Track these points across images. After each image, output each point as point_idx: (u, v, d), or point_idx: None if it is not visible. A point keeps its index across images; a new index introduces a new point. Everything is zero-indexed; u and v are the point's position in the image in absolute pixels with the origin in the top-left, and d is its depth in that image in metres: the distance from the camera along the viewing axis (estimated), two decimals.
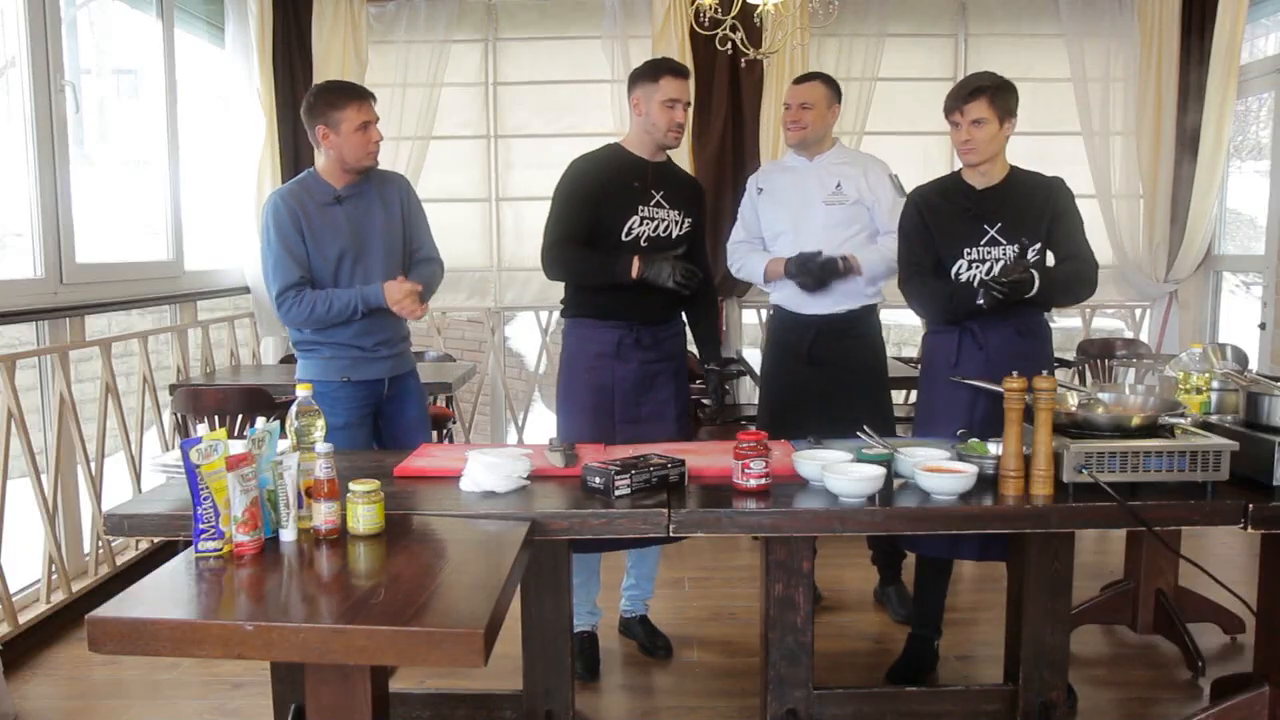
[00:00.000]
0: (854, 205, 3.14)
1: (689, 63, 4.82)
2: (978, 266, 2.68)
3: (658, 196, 2.87)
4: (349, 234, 2.85)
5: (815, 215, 3.16)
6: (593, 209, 2.83)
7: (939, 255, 2.74)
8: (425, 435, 3.09)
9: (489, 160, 5.29)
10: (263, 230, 2.82)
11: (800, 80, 3.21)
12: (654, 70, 2.83)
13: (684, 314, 3.05)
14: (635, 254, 2.78)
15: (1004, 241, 2.66)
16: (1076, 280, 2.68)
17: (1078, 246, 2.70)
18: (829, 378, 3.15)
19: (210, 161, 4.96)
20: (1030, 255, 2.66)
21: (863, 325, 3.21)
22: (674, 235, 2.89)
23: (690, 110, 2.90)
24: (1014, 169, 2.74)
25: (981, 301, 2.58)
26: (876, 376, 3.24)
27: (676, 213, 2.90)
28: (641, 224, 2.84)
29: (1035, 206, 2.69)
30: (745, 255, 3.30)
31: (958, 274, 2.71)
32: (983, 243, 2.67)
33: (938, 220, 2.74)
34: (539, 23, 5.23)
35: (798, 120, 3.16)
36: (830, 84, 3.18)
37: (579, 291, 2.92)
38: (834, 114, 3.22)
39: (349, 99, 2.79)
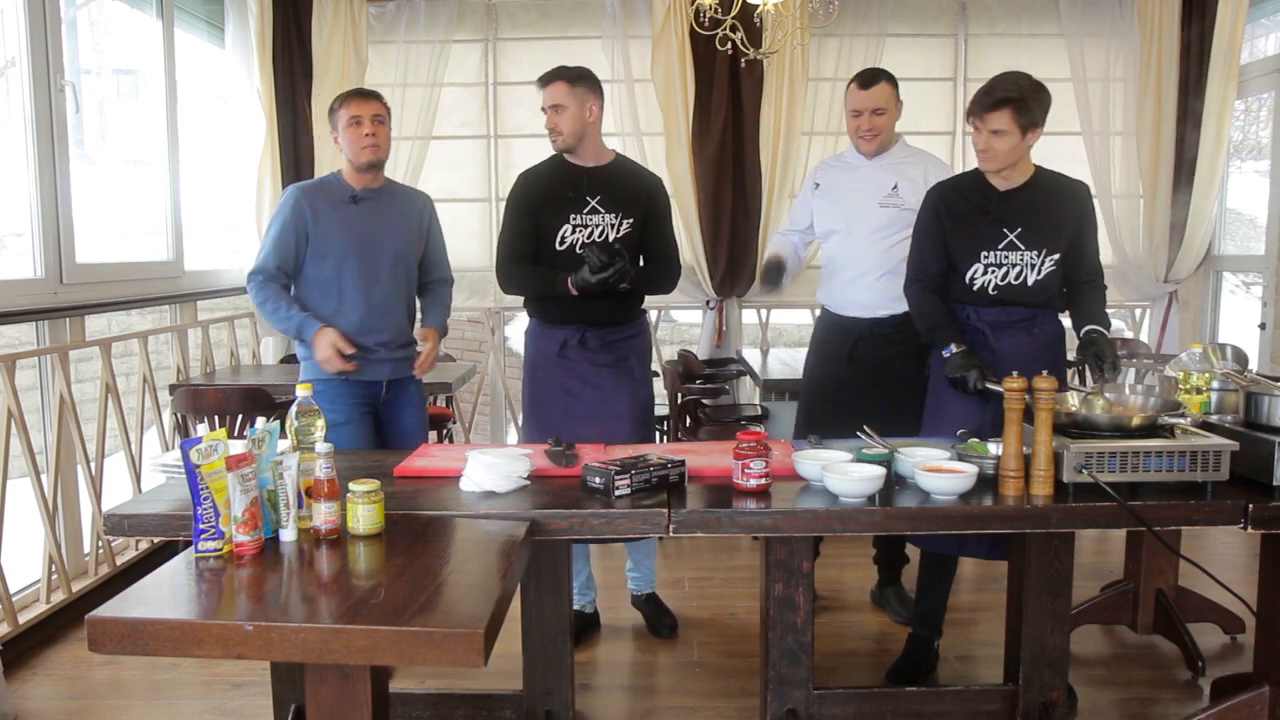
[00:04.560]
0: (908, 211, 2.99)
1: (689, 63, 4.84)
2: (994, 271, 2.65)
3: (593, 203, 2.93)
4: (358, 234, 2.92)
5: (868, 216, 3.07)
6: (532, 221, 2.96)
7: (951, 258, 2.71)
8: (421, 441, 3.10)
9: (489, 160, 5.29)
10: (274, 212, 2.96)
11: (866, 84, 3.01)
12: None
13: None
14: (569, 264, 2.85)
15: (1022, 247, 2.63)
16: (1104, 302, 2.71)
17: (1094, 260, 2.71)
18: (869, 383, 3.08)
19: (210, 161, 4.96)
20: (1047, 263, 2.63)
21: (909, 330, 3.05)
22: (609, 239, 2.92)
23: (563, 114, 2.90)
24: (1039, 170, 2.69)
25: (956, 374, 2.58)
26: (917, 384, 3.05)
27: (613, 216, 2.93)
28: (574, 232, 2.93)
29: (1059, 214, 2.64)
30: (772, 247, 3.32)
31: (971, 279, 2.67)
32: (1000, 246, 2.64)
33: (955, 220, 2.69)
34: (539, 23, 5.23)
35: (873, 128, 3.02)
36: (893, 81, 3.06)
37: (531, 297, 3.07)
38: (899, 111, 3.10)
39: (345, 99, 2.92)
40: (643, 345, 3.10)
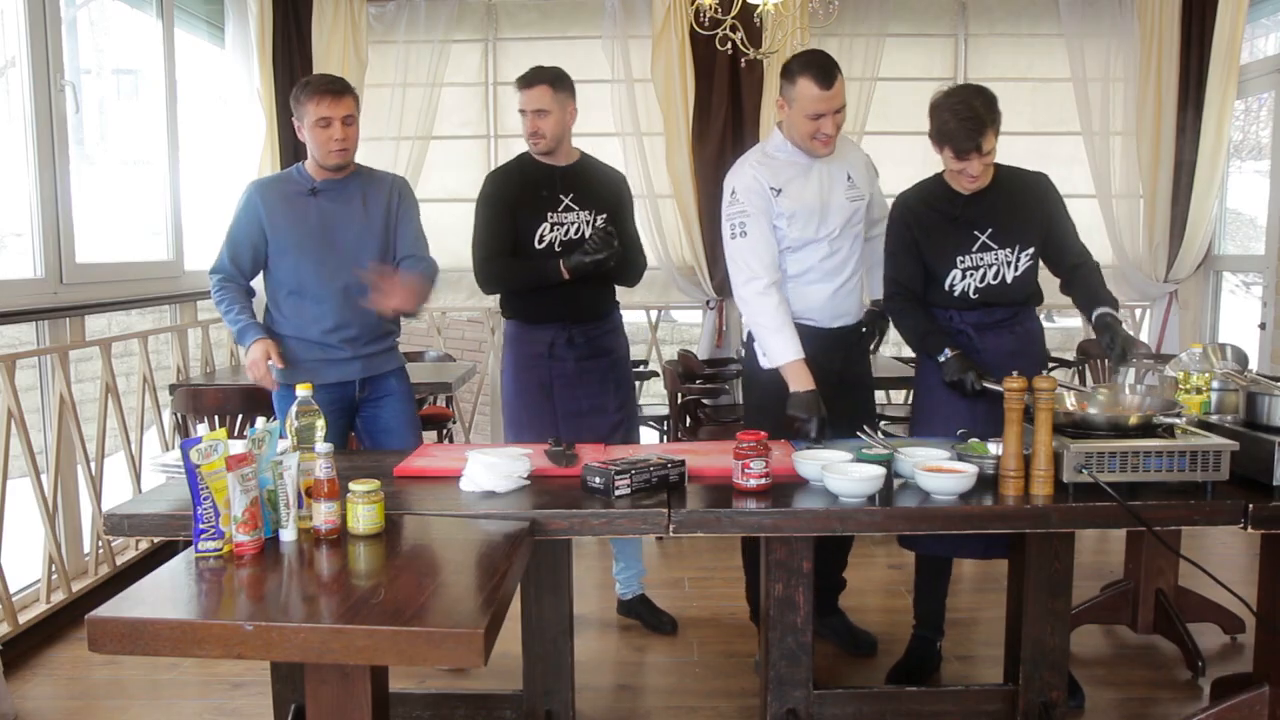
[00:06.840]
0: (863, 200, 2.85)
1: (689, 63, 4.84)
2: (972, 275, 2.66)
3: (566, 200, 2.97)
4: (316, 227, 2.81)
5: (836, 214, 2.77)
6: (509, 220, 2.96)
7: (928, 268, 2.70)
8: (413, 438, 2.95)
9: (489, 160, 5.28)
10: (235, 208, 2.90)
11: (828, 82, 2.59)
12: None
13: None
14: (557, 258, 2.88)
15: (996, 246, 2.64)
16: (1102, 280, 2.70)
17: (1077, 243, 2.71)
18: (831, 385, 2.87)
19: (210, 161, 4.96)
20: (1023, 259, 2.64)
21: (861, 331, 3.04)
22: (585, 235, 2.95)
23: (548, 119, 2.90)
24: (998, 168, 2.69)
25: (954, 377, 2.55)
26: (865, 379, 3.06)
27: (587, 213, 2.99)
28: (552, 230, 2.96)
29: (1026, 209, 2.66)
30: (771, 327, 2.69)
31: (951, 285, 2.67)
32: (974, 249, 2.65)
33: (926, 232, 2.69)
34: (539, 23, 5.23)
35: (838, 126, 2.68)
36: (840, 70, 2.75)
37: (512, 296, 3.06)
38: None
39: (310, 94, 2.74)
40: (623, 341, 3.17)
